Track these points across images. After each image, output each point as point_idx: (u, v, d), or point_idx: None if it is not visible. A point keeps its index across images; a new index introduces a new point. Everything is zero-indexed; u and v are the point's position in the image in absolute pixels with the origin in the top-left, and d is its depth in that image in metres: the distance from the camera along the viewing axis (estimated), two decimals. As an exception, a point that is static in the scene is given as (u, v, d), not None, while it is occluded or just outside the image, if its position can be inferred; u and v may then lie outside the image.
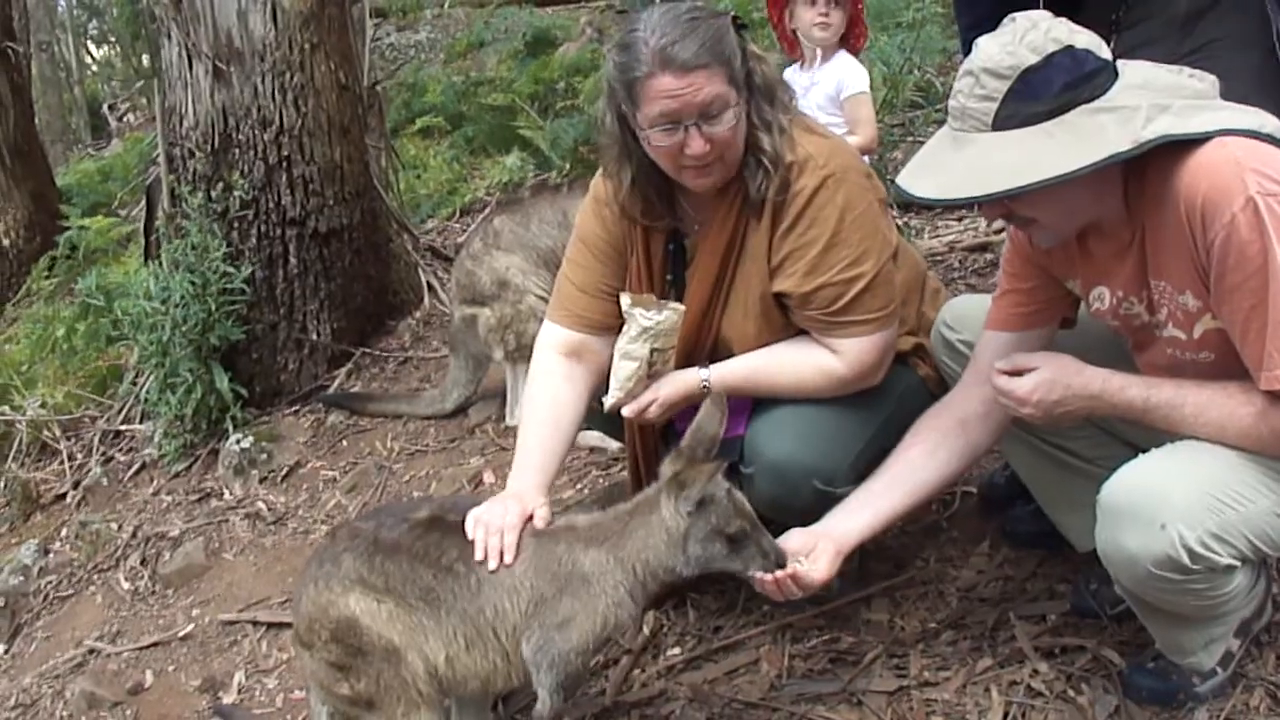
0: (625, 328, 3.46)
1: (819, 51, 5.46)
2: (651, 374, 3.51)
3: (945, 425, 3.28)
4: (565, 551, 3.19)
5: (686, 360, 3.56)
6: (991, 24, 2.82)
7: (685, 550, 3.11)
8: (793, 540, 3.19)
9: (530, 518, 3.26)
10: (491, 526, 3.21)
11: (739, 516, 3.09)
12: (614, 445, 5.05)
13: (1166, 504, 2.68)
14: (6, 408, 7.70)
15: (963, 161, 2.75)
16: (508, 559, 3.16)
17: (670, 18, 3.21)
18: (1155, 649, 3.14)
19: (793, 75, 5.51)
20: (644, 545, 3.15)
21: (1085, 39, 2.71)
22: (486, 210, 8.62)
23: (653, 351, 3.45)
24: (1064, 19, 2.76)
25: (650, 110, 3.24)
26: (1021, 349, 3.08)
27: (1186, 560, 2.66)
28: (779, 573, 3.09)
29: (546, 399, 3.67)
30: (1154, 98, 2.67)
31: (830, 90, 5.46)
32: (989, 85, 2.70)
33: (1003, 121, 2.70)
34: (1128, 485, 2.76)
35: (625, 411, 3.54)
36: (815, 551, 3.15)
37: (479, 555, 3.17)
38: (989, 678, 3.40)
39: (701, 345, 3.59)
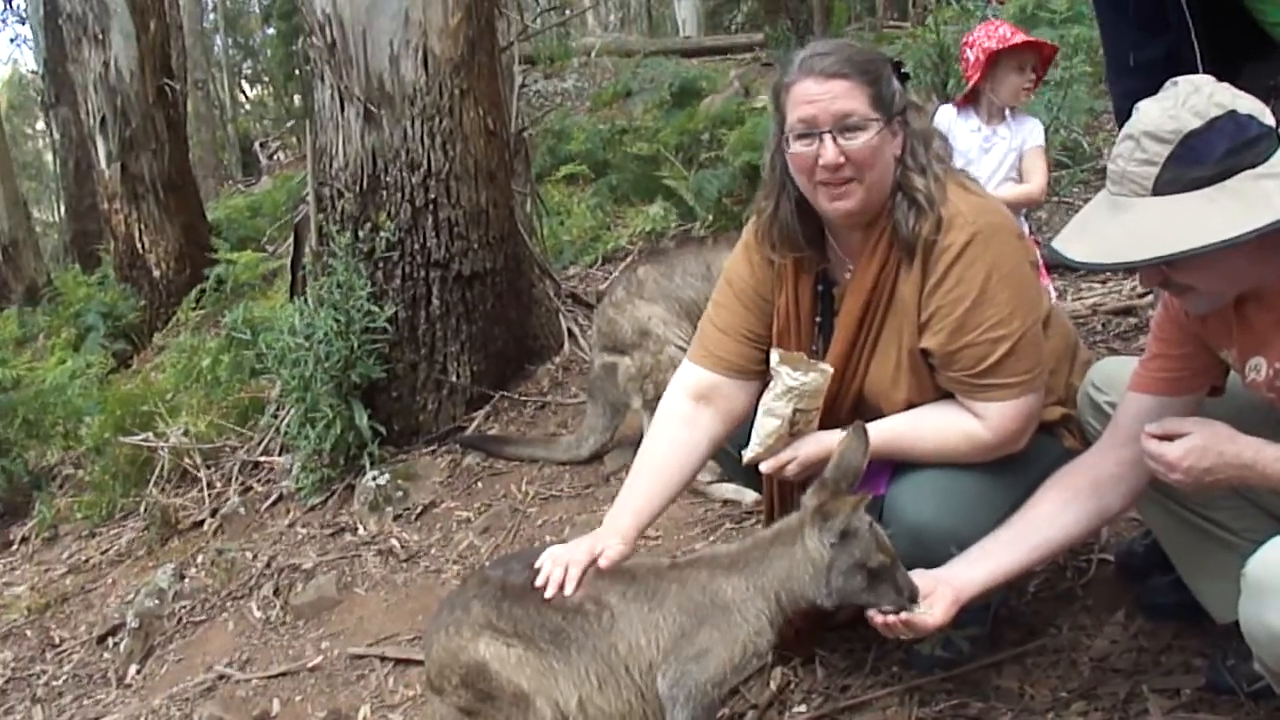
0: (771, 384, 3.46)
1: (1009, 111, 5.53)
2: (793, 433, 3.49)
3: (1079, 484, 3.21)
4: (706, 580, 3.20)
5: (830, 410, 3.54)
6: (1147, 94, 2.78)
7: (828, 582, 3.14)
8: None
9: (597, 558, 3.31)
10: (559, 559, 3.29)
11: (881, 551, 3.10)
12: (749, 498, 5.03)
13: (1314, 581, 2.59)
14: (150, 434, 7.88)
15: (1121, 226, 2.70)
16: (567, 590, 3.22)
17: (829, 43, 3.36)
18: (1295, 731, 3.05)
19: (971, 127, 5.64)
20: (787, 575, 3.17)
21: (1248, 104, 2.65)
22: (629, 258, 8.66)
23: (796, 411, 3.44)
24: (1226, 84, 2.71)
25: (791, 117, 3.33)
26: (1165, 414, 3.01)
27: (1331, 641, 2.57)
28: (891, 618, 3.10)
29: (662, 445, 3.68)
30: None
31: (1016, 147, 5.54)
32: (1150, 149, 2.64)
33: (1163, 186, 2.64)
34: (1275, 560, 2.66)
35: (763, 468, 3.53)
36: (933, 596, 3.13)
37: (539, 582, 3.25)
38: (1121, 752, 3.31)
39: (845, 395, 3.57)
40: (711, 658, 3.15)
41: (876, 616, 3.12)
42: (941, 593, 3.14)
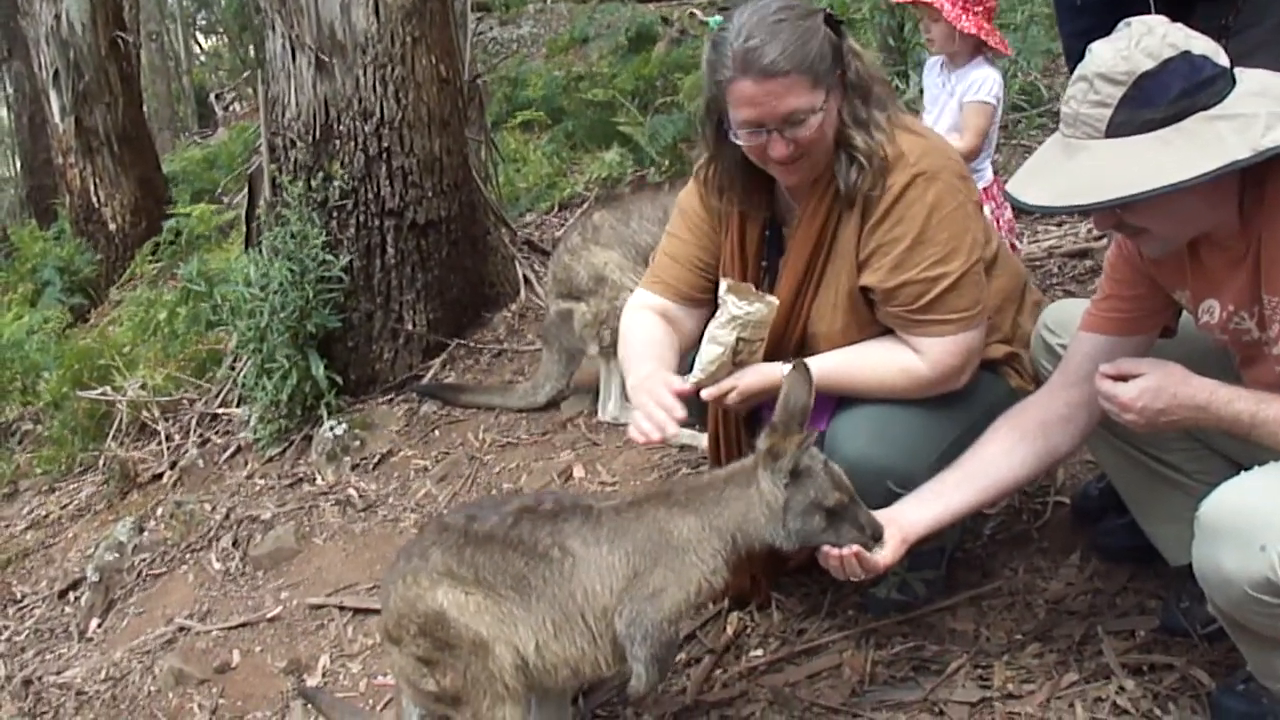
0: (718, 312, 3.46)
1: (950, 62, 5.48)
2: (737, 362, 3.50)
3: (1026, 425, 3.23)
4: (662, 520, 3.21)
5: (774, 349, 3.55)
6: (1098, 33, 2.77)
7: (785, 524, 3.13)
8: None
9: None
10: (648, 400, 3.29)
11: (836, 489, 3.11)
12: (704, 443, 5.03)
13: (1268, 525, 2.58)
14: (108, 388, 7.84)
15: (1075, 169, 2.69)
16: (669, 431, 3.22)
17: (758, 18, 3.22)
18: (1246, 670, 3.04)
19: (933, 80, 5.58)
20: (743, 517, 3.17)
21: (1202, 44, 2.64)
22: (585, 205, 8.63)
23: (739, 340, 3.44)
24: (1180, 24, 2.70)
25: (736, 114, 3.29)
26: (1116, 354, 3.02)
27: (1286, 584, 2.58)
28: (844, 550, 3.10)
29: (645, 333, 3.72)
30: (1273, 105, 2.58)
31: (956, 98, 5.45)
32: (1103, 91, 2.63)
33: (1116, 128, 2.63)
34: (1228, 504, 2.68)
35: (704, 394, 3.52)
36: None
37: (636, 437, 3.24)
38: (1074, 693, 3.35)
39: (789, 336, 3.58)
40: (666, 597, 3.16)
41: (831, 552, 3.13)
42: (890, 533, 3.15)
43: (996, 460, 3.24)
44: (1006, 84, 7.59)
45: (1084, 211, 3.05)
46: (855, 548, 3.10)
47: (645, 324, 3.75)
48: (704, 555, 3.18)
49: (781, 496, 3.12)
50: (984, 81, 5.40)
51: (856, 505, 3.13)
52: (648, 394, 3.29)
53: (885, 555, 3.14)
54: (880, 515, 3.19)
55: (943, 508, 3.23)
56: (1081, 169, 2.68)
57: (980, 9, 5.41)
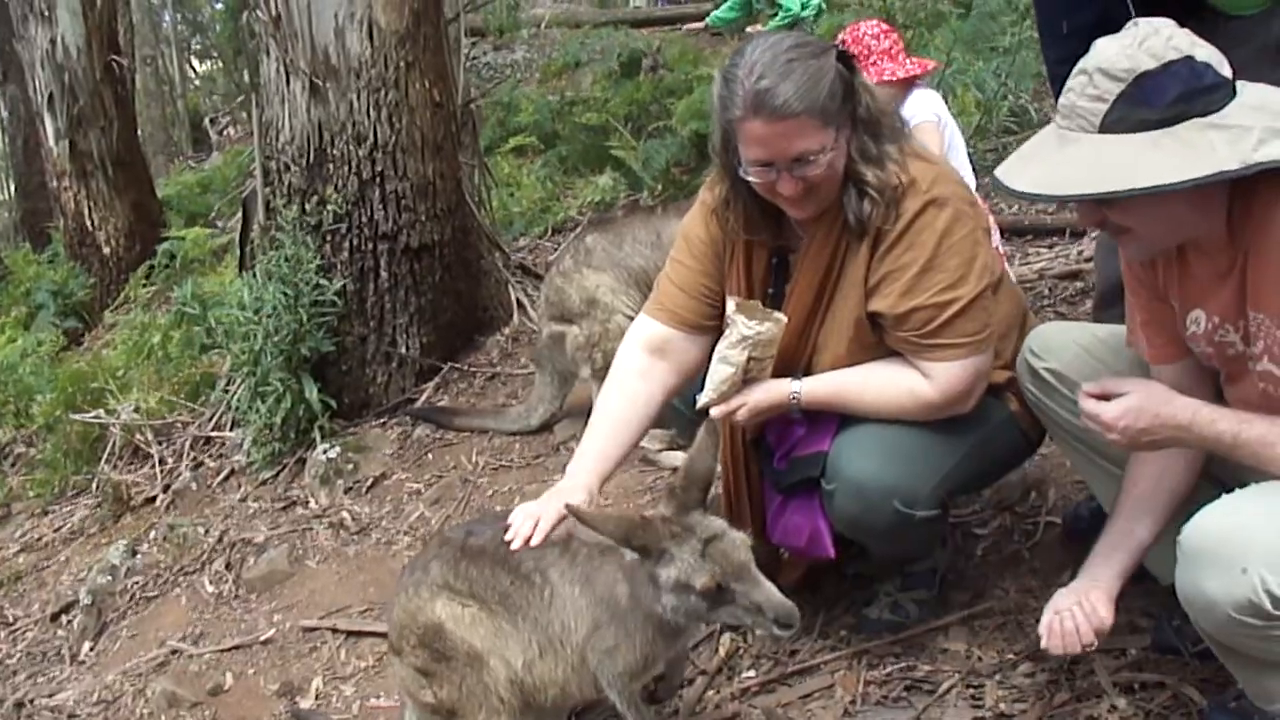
0: (727, 332, 3.47)
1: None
2: (746, 380, 3.52)
3: (1144, 488, 3.15)
4: (612, 578, 3.22)
5: (781, 373, 3.56)
6: (1079, 59, 2.79)
7: (660, 600, 3.07)
8: (1063, 599, 3.10)
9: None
10: (529, 513, 3.32)
11: (722, 566, 3.00)
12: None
13: (1249, 547, 2.59)
14: (101, 411, 7.83)
15: (1064, 160, 2.70)
16: (535, 541, 3.25)
17: (770, 57, 3.20)
18: (1237, 688, 3.04)
19: None
20: (645, 594, 3.13)
21: (1206, 52, 2.65)
22: (578, 229, 8.65)
23: (750, 360, 3.46)
24: (1187, 30, 2.70)
25: (746, 152, 3.29)
26: (1194, 376, 3.02)
27: (1269, 606, 2.57)
28: (1080, 621, 3.04)
29: (619, 395, 3.72)
30: (1269, 121, 2.58)
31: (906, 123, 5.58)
32: (1102, 85, 2.64)
33: (1110, 124, 2.64)
34: (1209, 526, 2.68)
35: (713, 413, 3.53)
36: (1090, 600, 3.06)
37: (508, 536, 3.27)
38: (1066, 712, 3.35)
39: (796, 362, 3.59)
40: (620, 656, 3.20)
41: (1055, 628, 3.07)
42: (1096, 596, 3.08)
43: (1157, 482, 3.13)
44: (997, 105, 7.69)
45: (1066, 201, 3.05)
46: (1077, 615, 3.04)
47: (625, 383, 3.75)
48: (640, 623, 3.18)
49: (649, 578, 3.08)
50: (922, 104, 5.70)
51: (748, 585, 3.00)
52: (544, 504, 3.36)
53: (1105, 615, 3.05)
54: (1077, 586, 3.12)
55: (1128, 552, 3.14)
56: (1070, 161, 2.69)
57: (876, 55, 5.62)
